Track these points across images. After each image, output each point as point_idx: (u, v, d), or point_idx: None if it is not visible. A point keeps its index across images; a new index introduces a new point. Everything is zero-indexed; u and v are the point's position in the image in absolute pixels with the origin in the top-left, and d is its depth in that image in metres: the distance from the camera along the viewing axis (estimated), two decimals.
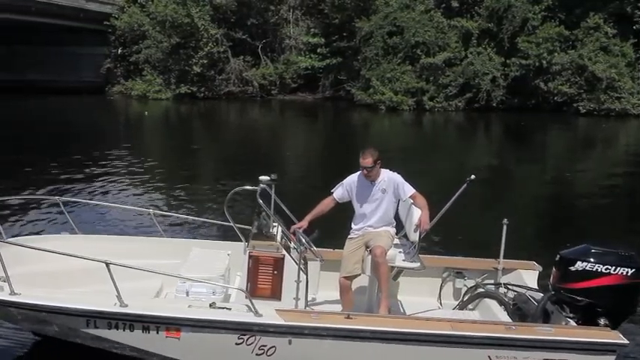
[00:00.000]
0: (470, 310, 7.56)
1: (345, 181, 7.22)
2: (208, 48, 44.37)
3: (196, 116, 39.97)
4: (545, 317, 6.87)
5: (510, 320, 6.90)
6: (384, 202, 7.07)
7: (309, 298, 7.49)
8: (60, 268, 6.79)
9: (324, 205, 7.19)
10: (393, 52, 41.84)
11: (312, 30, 46.46)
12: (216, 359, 6.17)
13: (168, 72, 44.99)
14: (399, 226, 7.36)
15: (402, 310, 7.58)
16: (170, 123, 36.97)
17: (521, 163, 23.29)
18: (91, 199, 9.22)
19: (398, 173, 7.04)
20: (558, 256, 6.83)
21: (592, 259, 6.48)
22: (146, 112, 38.07)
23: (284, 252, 6.47)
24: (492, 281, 7.76)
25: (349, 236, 7.17)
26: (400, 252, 7.14)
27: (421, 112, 40.21)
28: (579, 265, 6.53)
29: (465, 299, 7.69)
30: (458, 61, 41.00)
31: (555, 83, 39.61)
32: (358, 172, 7.18)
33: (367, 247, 6.84)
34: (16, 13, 40.44)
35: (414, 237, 6.91)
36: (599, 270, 6.44)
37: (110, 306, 6.00)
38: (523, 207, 15.50)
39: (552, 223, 14.19)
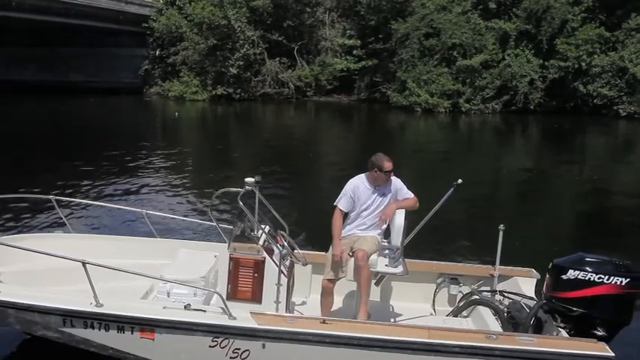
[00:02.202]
0: (463, 317, 7.39)
1: (347, 188, 7.01)
2: (245, 50, 44.68)
3: (231, 117, 40.19)
4: (538, 327, 6.68)
5: (501, 329, 6.72)
6: (381, 206, 6.96)
7: (298, 302, 7.46)
8: (47, 267, 6.83)
9: (339, 222, 6.94)
10: (429, 54, 41.57)
11: (348, 32, 46.44)
12: None
13: (204, 73, 45.44)
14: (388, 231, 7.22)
15: (393, 316, 7.45)
16: (201, 124, 37.28)
17: (552, 167, 22.79)
18: (85, 198, 9.23)
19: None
20: (551, 263, 6.64)
21: (585, 268, 6.28)
22: (177, 113, 38.46)
23: (265, 255, 6.40)
24: (489, 288, 7.57)
25: None
26: (383, 257, 7.00)
27: (457, 115, 39.80)
28: (571, 274, 6.33)
29: (458, 306, 7.52)
30: (495, 63, 40.43)
31: (595, 85, 38.78)
32: (360, 177, 7.03)
33: (352, 250, 6.72)
34: (57, 16, 41.39)
35: (397, 242, 6.77)
36: (592, 279, 6.24)
37: (86, 305, 6.01)
38: (542, 212, 15.12)
39: (571, 229, 13.84)
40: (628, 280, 6.19)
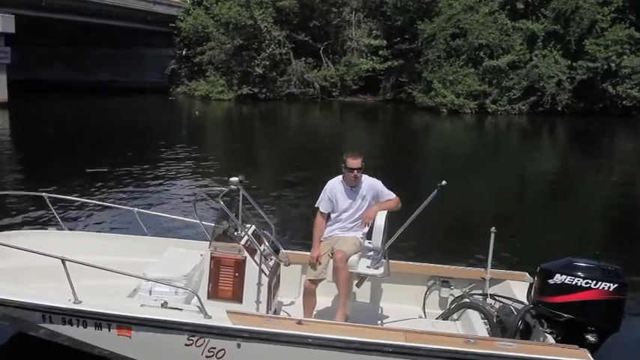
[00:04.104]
0: (453, 320, 7.27)
1: (326, 188, 7.01)
2: (270, 50, 44.81)
3: (255, 117, 40.30)
4: (526, 332, 6.53)
5: (488, 333, 6.59)
6: (362, 208, 6.90)
7: (287, 302, 7.41)
8: (36, 264, 6.83)
9: (321, 225, 6.96)
10: (455, 55, 41.22)
11: (374, 32, 46.29)
12: (167, 359, 6.10)
13: (230, 73, 45.67)
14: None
15: (381, 318, 7.37)
16: (225, 123, 37.42)
17: (576, 169, 22.50)
18: (86, 196, 9.26)
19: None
20: (539, 268, 6.50)
21: (572, 273, 6.13)
22: (197, 112, 38.83)
23: (246, 254, 6.34)
24: (481, 291, 7.43)
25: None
26: (366, 258, 6.92)
27: (483, 116, 39.37)
28: (558, 278, 6.19)
29: (449, 309, 7.40)
30: (522, 63, 40.02)
31: (624, 87, 38.27)
32: (337, 178, 7.03)
33: (332, 251, 6.65)
34: (86, 16, 42.07)
35: (378, 243, 6.69)
36: (579, 284, 6.09)
37: (64, 302, 6.01)
38: (558, 215, 14.85)
39: (585, 234, 13.40)
40: (616, 285, 6.02)
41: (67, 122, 31.39)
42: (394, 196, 6.92)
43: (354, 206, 6.86)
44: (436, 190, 6.56)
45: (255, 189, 15.16)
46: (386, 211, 6.79)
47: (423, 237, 11.50)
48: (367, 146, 27.17)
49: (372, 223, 6.76)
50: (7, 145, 24.83)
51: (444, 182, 6.49)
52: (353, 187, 6.87)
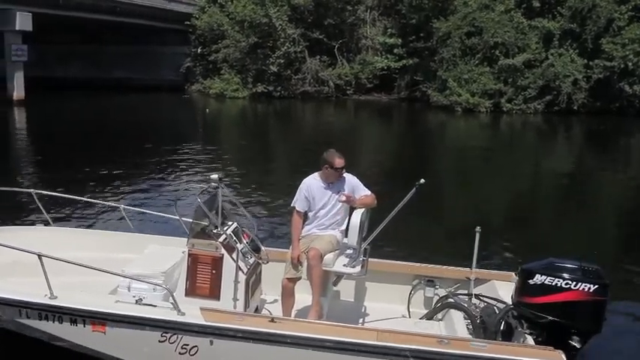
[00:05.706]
0: (437, 320, 7.21)
1: (301, 187, 6.95)
2: (285, 48, 44.83)
3: (270, 115, 40.37)
4: (508, 332, 6.48)
5: (469, 334, 6.54)
6: (338, 204, 6.84)
7: (270, 300, 7.38)
8: (19, 260, 6.87)
9: (299, 223, 6.89)
10: (470, 53, 40.93)
11: (389, 30, 46.17)
12: (141, 356, 6.11)
13: (245, 71, 45.79)
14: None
15: (363, 317, 7.33)
16: (238, 121, 37.46)
17: (589, 169, 22.25)
18: (68, 193, 9.28)
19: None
20: (520, 268, 6.44)
21: (553, 273, 6.08)
22: (207, 110, 39.09)
23: (223, 251, 6.33)
24: (466, 291, 7.36)
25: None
26: (344, 257, 6.87)
27: (498, 115, 39.06)
28: (538, 279, 6.14)
29: (433, 309, 7.35)
30: (538, 62, 39.64)
31: None
32: (313, 176, 6.97)
33: (307, 249, 6.63)
34: (103, 14, 42.39)
35: (354, 241, 6.65)
36: (559, 285, 6.03)
37: (40, 297, 6.04)
38: (564, 215, 14.68)
39: (591, 235, 13.22)
40: (597, 286, 5.95)
41: (84, 120, 31.67)
42: (370, 192, 6.90)
43: (331, 203, 6.81)
44: (414, 188, 6.50)
45: (260, 186, 15.24)
46: (363, 210, 6.74)
47: (427, 235, 11.47)
48: (381, 145, 27.21)
49: (349, 221, 6.73)
50: (22, 143, 25.18)
51: (422, 180, 6.43)
52: (331, 182, 6.82)
